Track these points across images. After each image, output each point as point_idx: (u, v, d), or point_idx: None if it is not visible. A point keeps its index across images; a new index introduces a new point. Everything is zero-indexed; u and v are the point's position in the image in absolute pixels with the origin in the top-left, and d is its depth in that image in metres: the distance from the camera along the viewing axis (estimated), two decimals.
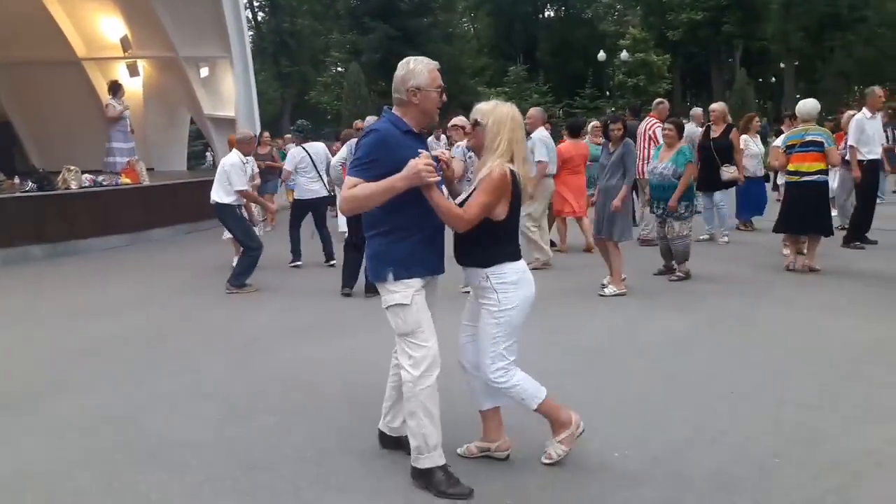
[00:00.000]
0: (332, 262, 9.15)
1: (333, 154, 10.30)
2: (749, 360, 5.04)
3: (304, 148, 9.21)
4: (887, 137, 11.65)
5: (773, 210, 9.48)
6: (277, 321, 6.64)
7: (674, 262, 7.75)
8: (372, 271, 3.34)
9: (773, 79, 47.47)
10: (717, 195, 9.93)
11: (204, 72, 15.83)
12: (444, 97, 3.37)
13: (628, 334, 5.81)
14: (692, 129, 11.37)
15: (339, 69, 38.66)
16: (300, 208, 9.28)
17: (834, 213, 9.68)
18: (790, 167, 7.83)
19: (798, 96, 33.11)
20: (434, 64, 3.33)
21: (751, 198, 10.83)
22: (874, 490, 3.23)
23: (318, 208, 9.27)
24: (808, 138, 7.64)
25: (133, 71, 16.13)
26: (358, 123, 9.82)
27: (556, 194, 8.96)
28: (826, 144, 7.56)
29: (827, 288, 7.19)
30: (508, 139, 3.29)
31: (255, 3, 48.67)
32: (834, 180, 10.34)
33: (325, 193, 9.19)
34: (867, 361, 4.94)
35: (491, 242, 3.33)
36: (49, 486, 3.45)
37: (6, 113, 16.41)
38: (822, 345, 5.33)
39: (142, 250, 11.19)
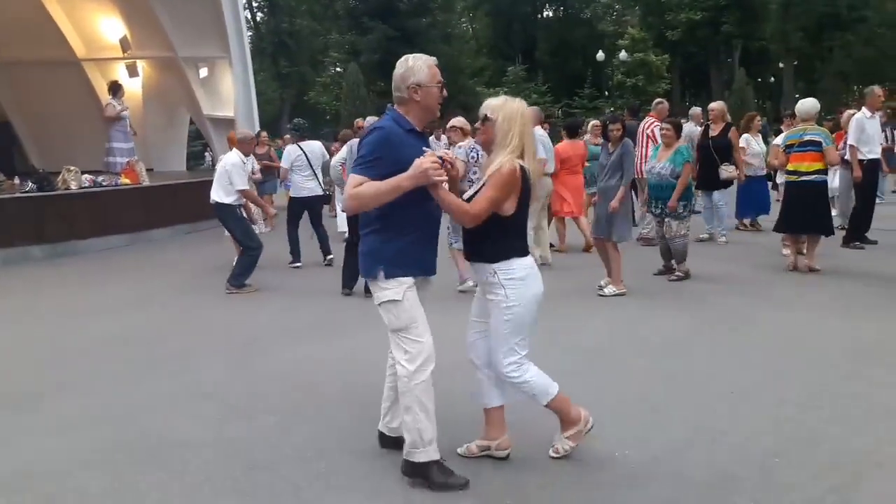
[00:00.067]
0: (330, 257, 9.19)
1: (332, 154, 10.32)
2: (749, 360, 5.04)
3: (300, 146, 9.22)
4: (886, 137, 11.67)
5: (775, 209, 9.49)
6: (277, 321, 6.64)
7: (673, 261, 7.76)
8: (363, 268, 3.35)
9: (773, 79, 47.48)
10: (717, 195, 9.95)
11: (203, 72, 15.84)
12: (445, 92, 3.38)
13: (628, 334, 5.81)
14: (691, 129, 11.39)
15: (338, 69, 38.68)
16: (296, 206, 9.28)
17: (834, 212, 9.69)
18: (789, 167, 7.85)
19: (797, 96, 33.13)
20: (432, 60, 3.33)
21: (752, 197, 10.81)
22: (874, 490, 3.23)
23: (314, 206, 9.27)
24: (807, 138, 7.64)
25: (132, 71, 16.12)
26: (359, 122, 9.82)
27: (554, 194, 8.97)
28: (824, 144, 7.57)
29: (827, 288, 7.19)
30: (519, 134, 3.29)
31: (254, 4, 48.68)
32: (834, 180, 10.35)
33: (319, 192, 9.20)
34: (867, 361, 4.94)
35: (499, 237, 3.33)
36: (49, 486, 3.45)
37: (6, 113, 16.40)
38: (822, 345, 5.34)
39: (141, 250, 11.19)
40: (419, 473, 3.29)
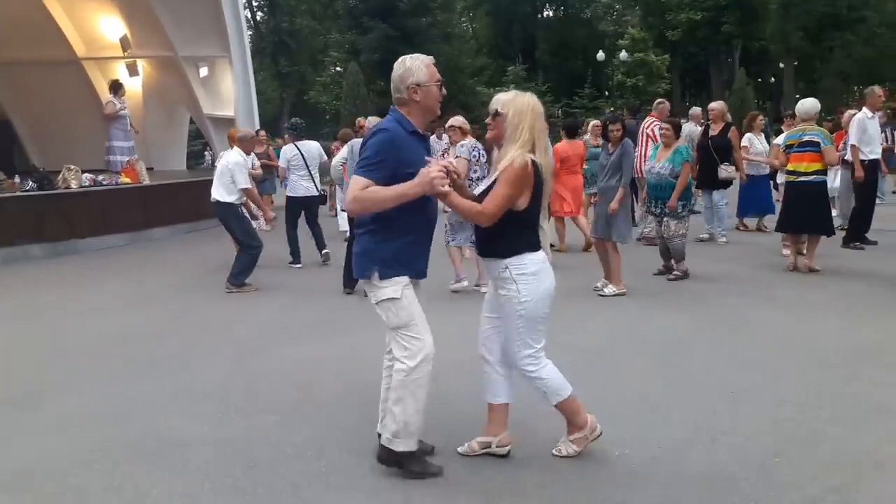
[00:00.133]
0: (326, 251, 9.23)
1: (333, 154, 10.31)
2: (749, 360, 5.04)
3: (296, 146, 9.21)
4: (886, 138, 11.68)
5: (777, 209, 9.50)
6: (277, 320, 6.65)
7: (672, 260, 7.77)
8: (358, 267, 3.35)
9: (773, 79, 47.44)
10: (716, 195, 9.96)
11: (203, 71, 15.83)
12: (444, 91, 3.38)
13: (629, 334, 5.81)
14: (692, 129, 11.41)
15: (338, 69, 38.64)
16: (294, 206, 9.27)
17: (834, 212, 9.70)
18: (788, 167, 7.87)
19: (797, 96, 33.12)
20: (430, 59, 3.34)
21: (755, 197, 10.80)
22: (874, 490, 3.23)
23: (310, 206, 9.27)
24: (806, 138, 7.65)
25: (132, 70, 16.12)
26: (361, 122, 9.81)
27: (553, 194, 8.97)
28: (823, 144, 7.58)
29: (827, 288, 7.19)
30: (529, 128, 3.29)
31: (254, 3, 48.69)
32: (835, 180, 10.37)
33: (315, 193, 9.19)
34: (867, 361, 4.95)
35: (512, 232, 3.33)
36: (49, 485, 3.45)
37: (6, 112, 16.39)
38: (822, 345, 5.34)
39: (141, 250, 11.19)
40: (395, 461, 3.36)
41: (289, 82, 45.57)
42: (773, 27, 37.99)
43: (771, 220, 10.71)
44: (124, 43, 15.68)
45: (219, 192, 7.84)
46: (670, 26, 40.36)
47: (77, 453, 3.78)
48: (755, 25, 39.63)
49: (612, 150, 7.21)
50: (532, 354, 3.40)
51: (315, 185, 9.17)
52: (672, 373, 4.83)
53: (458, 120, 7.51)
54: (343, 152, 8.19)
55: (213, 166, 13.98)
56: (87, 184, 11.32)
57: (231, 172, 7.73)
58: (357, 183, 3.16)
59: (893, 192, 15.13)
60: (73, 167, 11.19)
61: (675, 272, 7.72)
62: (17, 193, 10.56)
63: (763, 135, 11.04)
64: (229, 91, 15.75)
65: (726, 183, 9.88)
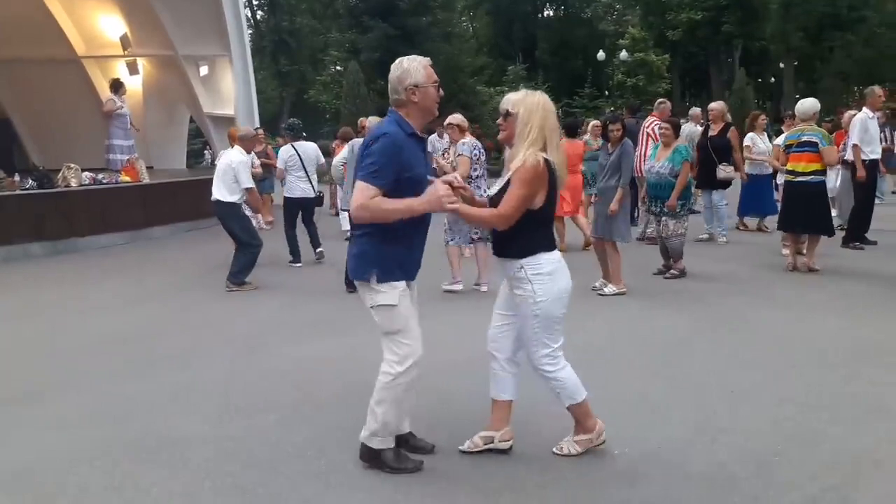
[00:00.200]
0: (320, 249, 9.26)
1: (332, 153, 10.31)
2: (749, 360, 5.04)
3: (293, 146, 9.21)
4: (885, 138, 11.69)
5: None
6: (277, 319, 6.65)
7: (671, 259, 7.78)
8: (354, 270, 3.36)
9: (773, 79, 47.41)
10: (715, 195, 9.97)
11: (203, 70, 15.82)
12: (441, 92, 3.39)
13: (629, 333, 5.81)
14: (692, 129, 11.41)
15: (338, 68, 38.58)
16: (291, 206, 9.27)
17: (834, 212, 9.70)
18: (787, 167, 7.90)
19: (797, 96, 33.09)
20: (426, 60, 3.34)
21: (756, 196, 10.78)
22: (873, 489, 3.24)
23: (308, 207, 9.27)
24: (804, 139, 7.67)
25: (132, 69, 16.10)
26: (363, 121, 9.81)
27: None
28: (821, 145, 7.59)
29: (826, 288, 7.19)
30: (539, 126, 3.29)
31: (255, 2, 48.65)
32: (835, 180, 10.38)
33: (312, 195, 9.18)
34: (866, 361, 4.95)
35: (528, 231, 3.33)
36: (50, 483, 3.45)
37: (6, 111, 16.39)
38: (822, 344, 5.34)
39: (141, 248, 11.19)
40: (375, 458, 3.41)
41: (289, 81, 45.53)
42: (773, 27, 37.96)
43: (772, 221, 10.74)
44: (124, 41, 15.67)
45: (220, 192, 7.78)
46: (670, 26, 40.33)
47: (77, 452, 3.78)
48: (755, 25, 39.60)
49: (612, 149, 7.21)
50: (550, 354, 3.40)
51: (312, 187, 9.16)
52: (672, 372, 4.83)
53: (456, 118, 7.49)
54: (343, 152, 8.18)
55: (212, 165, 13.97)
56: (87, 182, 11.32)
57: (234, 171, 7.69)
58: (365, 191, 3.14)
59: (893, 192, 15.15)
60: (73, 166, 11.19)
61: (671, 271, 7.74)
62: (17, 192, 10.56)
63: (766, 134, 11.03)
64: (229, 90, 15.75)
65: (725, 183, 9.89)
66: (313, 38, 47.02)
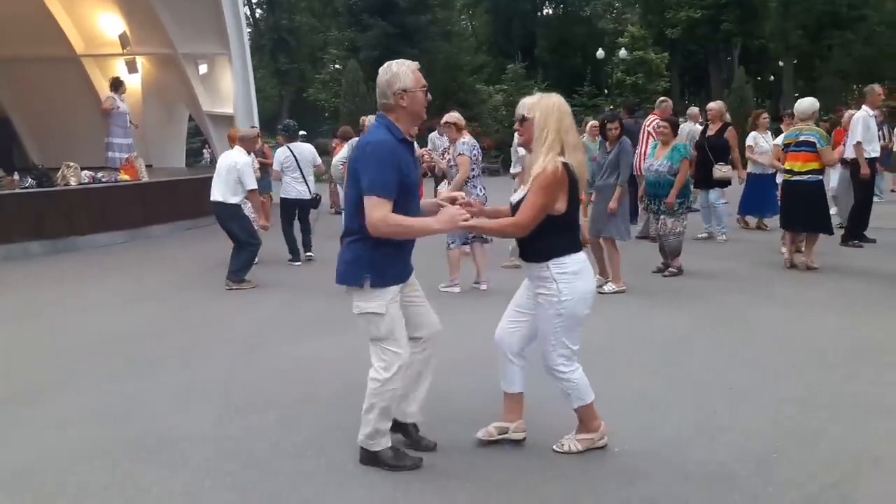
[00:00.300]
0: (309, 254, 9.29)
1: (332, 152, 10.30)
2: (748, 358, 5.05)
3: (289, 148, 9.21)
4: (883, 136, 11.71)
5: None
6: (277, 317, 6.65)
7: (669, 257, 7.80)
8: (346, 275, 3.35)
9: (772, 77, 47.39)
10: (713, 194, 10.00)
11: (202, 68, 15.80)
12: (429, 96, 3.40)
13: (628, 331, 5.82)
14: (692, 128, 11.42)
15: (337, 66, 38.52)
16: (288, 206, 9.29)
17: (834, 211, 9.72)
18: (785, 166, 7.94)
19: (797, 95, 33.07)
20: (415, 65, 3.35)
21: (759, 195, 10.77)
22: (872, 487, 3.24)
23: (304, 207, 9.28)
24: (802, 138, 7.71)
25: (132, 68, 16.09)
26: (364, 120, 9.81)
27: None
28: (818, 145, 7.61)
29: (825, 286, 7.20)
30: (556, 129, 3.30)
31: (254, 0, 48.57)
32: (834, 179, 10.41)
33: (308, 196, 9.18)
34: (865, 359, 4.96)
35: (552, 235, 3.34)
36: (49, 482, 3.45)
37: (5, 109, 16.37)
38: (821, 342, 5.35)
39: (141, 247, 11.19)
40: (374, 460, 3.44)
41: (288, 79, 45.46)
42: (772, 25, 37.92)
43: (773, 219, 10.73)
44: (123, 40, 15.65)
45: (222, 194, 7.74)
46: (670, 24, 40.28)
47: (77, 451, 3.78)
48: (755, 24, 39.56)
49: (610, 148, 7.22)
50: (567, 355, 3.42)
51: (308, 188, 9.16)
52: (672, 370, 4.84)
53: (452, 116, 7.47)
54: (344, 151, 8.19)
55: (211, 163, 13.96)
56: (86, 181, 11.31)
57: (239, 173, 7.67)
58: (382, 205, 3.14)
59: (892, 191, 15.16)
60: (72, 164, 11.19)
61: (669, 269, 7.75)
62: (17, 191, 10.56)
63: (769, 132, 11.03)
64: (228, 88, 15.72)
65: (722, 182, 9.91)
66: (312, 37, 46.96)
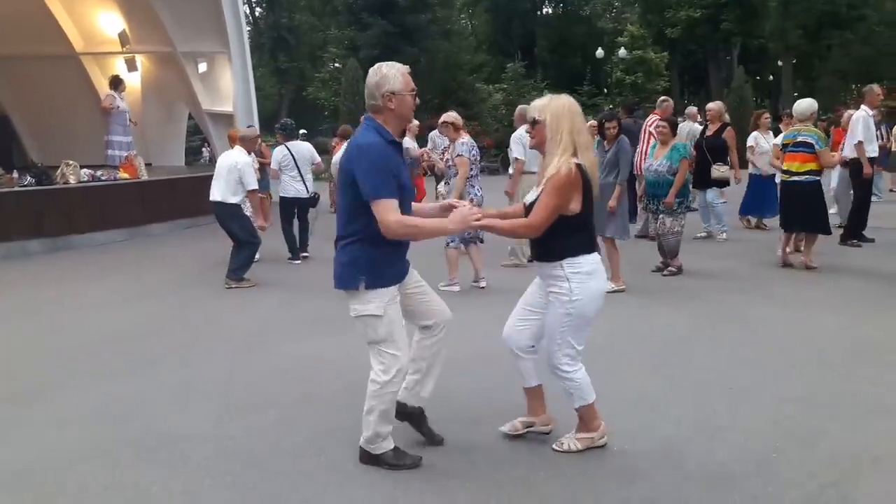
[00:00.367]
0: (305, 255, 9.29)
1: (331, 151, 10.30)
2: (748, 357, 5.05)
3: (287, 146, 9.21)
4: (880, 135, 11.74)
5: None
6: (277, 316, 6.65)
7: (668, 256, 7.80)
8: (343, 279, 3.34)
9: (771, 77, 47.43)
10: (710, 194, 10.00)
11: (202, 67, 15.80)
12: (417, 100, 3.41)
13: (627, 331, 5.82)
14: (692, 127, 11.42)
15: (337, 65, 38.50)
16: (287, 205, 9.29)
17: (833, 211, 9.73)
18: (783, 166, 7.96)
19: (796, 94, 33.11)
20: (405, 68, 3.36)
21: (760, 195, 10.77)
22: (871, 487, 3.25)
23: (303, 206, 9.29)
24: (800, 139, 7.73)
25: (131, 66, 16.09)
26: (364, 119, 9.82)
27: None
28: (816, 146, 7.62)
29: (824, 286, 7.21)
30: (568, 130, 3.31)
31: None
32: (834, 179, 10.42)
33: (305, 195, 9.18)
34: (865, 359, 4.96)
35: (566, 236, 3.35)
36: (49, 482, 3.45)
37: (5, 108, 16.36)
38: (820, 342, 5.36)
39: (140, 245, 11.18)
40: (374, 459, 3.45)
41: (287, 78, 45.47)
42: (772, 25, 37.93)
43: (773, 220, 10.74)
44: (123, 38, 15.65)
45: (222, 194, 7.74)
46: (669, 24, 40.28)
47: (77, 451, 3.77)
48: (754, 23, 39.57)
49: (608, 147, 7.22)
50: (572, 355, 3.43)
51: (306, 187, 9.16)
52: (671, 370, 4.84)
53: (450, 116, 7.46)
54: (343, 150, 8.16)
55: (210, 162, 13.95)
56: (85, 179, 11.31)
57: (240, 173, 7.67)
58: (392, 207, 3.15)
59: (891, 191, 15.17)
60: (71, 163, 11.19)
61: (669, 268, 7.76)
62: (16, 189, 10.56)
63: (771, 132, 11.03)
64: (228, 87, 15.72)
65: (721, 182, 9.91)
66: (312, 35, 46.93)
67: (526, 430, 3.69)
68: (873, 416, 3.98)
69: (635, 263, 7.96)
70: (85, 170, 11.43)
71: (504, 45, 46.78)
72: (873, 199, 9.90)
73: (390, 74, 3.28)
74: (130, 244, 11.25)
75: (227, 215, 7.83)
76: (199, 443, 3.82)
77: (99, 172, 11.79)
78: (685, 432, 3.83)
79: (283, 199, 9.31)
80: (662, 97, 11.38)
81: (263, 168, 11.97)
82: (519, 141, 8.27)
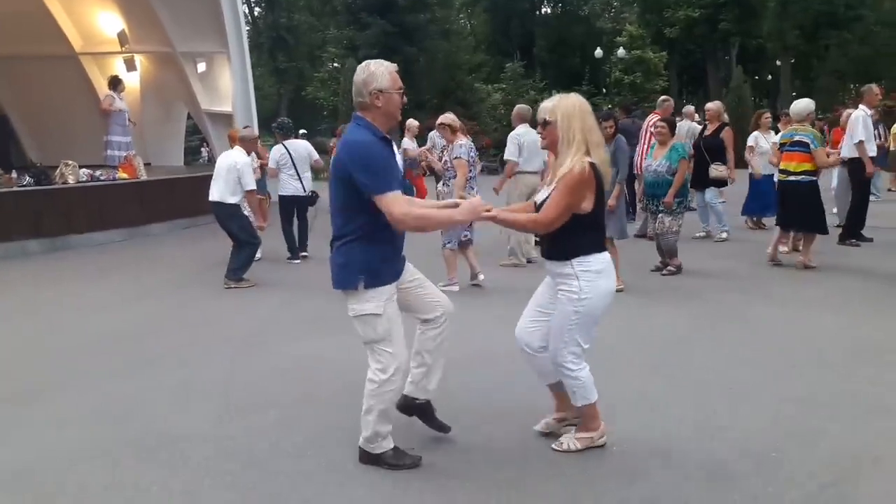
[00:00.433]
0: (304, 254, 9.29)
1: (331, 152, 10.28)
2: (747, 357, 5.06)
3: (284, 145, 9.21)
4: (878, 135, 11.75)
5: None
6: (276, 316, 6.65)
7: (666, 256, 7.81)
8: (341, 279, 3.35)
9: (770, 76, 47.45)
10: (709, 194, 10.01)
11: (201, 67, 15.78)
12: (405, 99, 3.41)
13: (627, 330, 5.81)
14: (692, 126, 11.42)
15: (336, 65, 38.49)
16: (286, 204, 9.29)
17: (833, 210, 9.74)
18: (780, 166, 7.99)
19: (794, 94, 33.12)
20: (393, 66, 3.37)
21: (760, 195, 10.78)
22: (871, 486, 3.25)
23: (301, 204, 9.28)
24: (796, 139, 7.76)
25: (130, 66, 16.07)
26: None
27: None
28: (812, 146, 7.63)
29: (823, 285, 7.22)
30: (580, 129, 3.32)
31: None
32: (834, 179, 10.42)
33: (303, 193, 9.18)
34: (864, 358, 4.97)
35: (577, 234, 3.36)
36: (49, 482, 3.45)
37: (3, 107, 16.32)
38: (820, 342, 5.36)
39: (139, 245, 11.17)
40: (374, 459, 3.45)
41: (286, 78, 45.44)
42: (770, 25, 37.94)
43: (772, 219, 10.74)
44: (122, 38, 15.64)
45: (222, 194, 7.74)
46: (668, 23, 40.30)
47: (77, 451, 3.77)
48: (752, 23, 39.59)
49: (606, 146, 7.22)
50: (577, 353, 3.43)
51: (302, 185, 9.16)
52: (671, 369, 4.84)
53: (447, 118, 7.44)
54: None
55: (209, 162, 13.94)
56: (84, 179, 11.30)
57: (239, 173, 7.67)
58: (399, 198, 3.19)
59: (890, 190, 15.18)
60: (70, 162, 11.18)
61: (668, 268, 7.78)
62: (15, 189, 10.54)
63: (772, 132, 11.03)
64: (227, 87, 15.70)
65: (719, 182, 9.91)
66: (311, 35, 46.91)
67: (562, 426, 3.71)
68: (873, 416, 3.98)
69: (634, 263, 7.97)
70: (84, 170, 11.42)
71: (503, 44, 46.78)
72: (872, 198, 9.92)
73: (378, 72, 3.28)
74: (129, 244, 11.24)
75: (227, 215, 7.83)
76: (199, 443, 3.82)
77: (98, 172, 11.78)
78: (685, 432, 3.83)
79: (281, 197, 9.32)
80: (663, 97, 11.38)
81: (263, 168, 11.97)
82: (514, 140, 8.27)
